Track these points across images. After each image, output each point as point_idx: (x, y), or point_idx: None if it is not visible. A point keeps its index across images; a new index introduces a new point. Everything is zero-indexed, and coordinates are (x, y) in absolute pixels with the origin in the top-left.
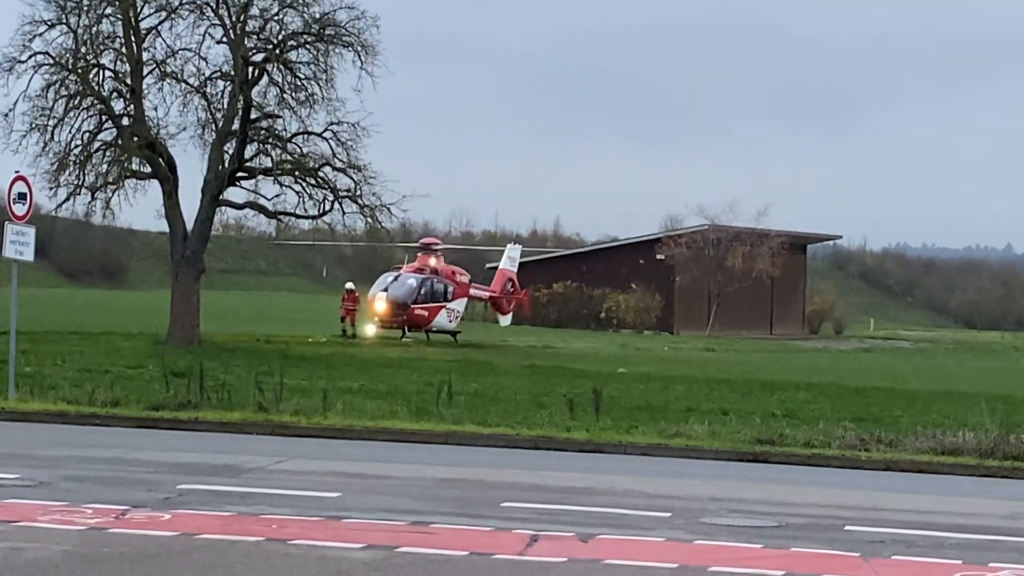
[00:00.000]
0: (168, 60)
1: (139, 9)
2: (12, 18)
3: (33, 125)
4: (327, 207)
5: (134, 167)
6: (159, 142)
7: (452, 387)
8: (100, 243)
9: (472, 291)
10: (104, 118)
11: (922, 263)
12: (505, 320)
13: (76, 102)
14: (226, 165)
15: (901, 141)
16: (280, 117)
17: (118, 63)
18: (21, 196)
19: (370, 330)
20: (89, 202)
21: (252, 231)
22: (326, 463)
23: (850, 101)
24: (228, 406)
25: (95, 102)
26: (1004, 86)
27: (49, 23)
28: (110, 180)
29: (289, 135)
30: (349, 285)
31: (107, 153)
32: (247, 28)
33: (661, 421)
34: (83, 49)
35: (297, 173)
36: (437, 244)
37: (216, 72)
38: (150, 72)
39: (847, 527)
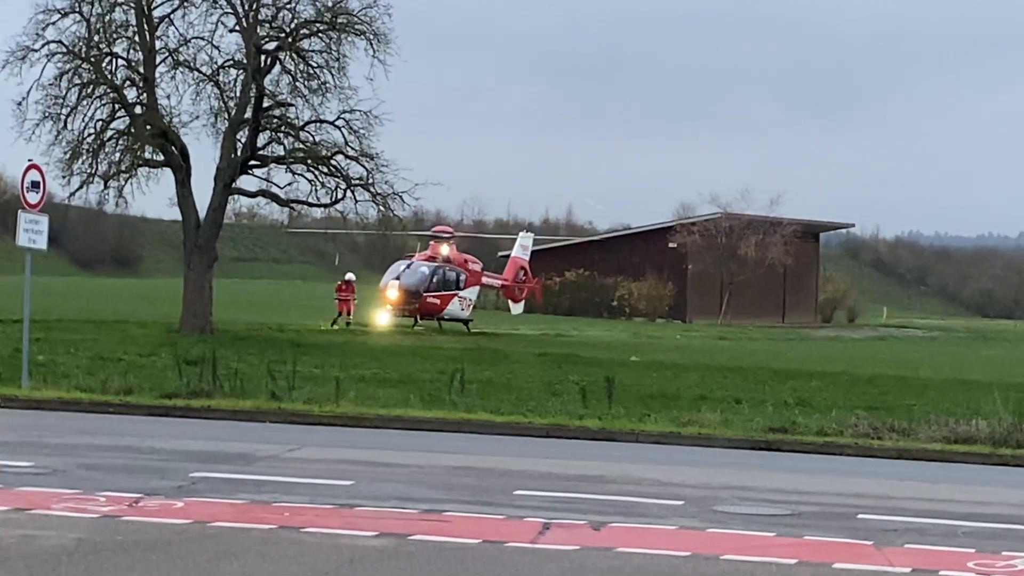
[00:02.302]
0: (181, 49)
1: None
2: (26, 7)
3: (46, 114)
4: (339, 195)
5: (147, 155)
6: (172, 130)
7: (464, 375)
8: (113, 231)
9: (484, 279)
10: (117, 107)
11: (935, 251)
12: (517, 308)
13: (89, 91)
14: (238, 153)
15: (914, 129)
16: (292, 105)
17: (131, 52)
18: (34, 184)
19: (382, 319)
20: (102, 190)
21: (264, 219)
22: (339, 451)
23: (863, 89)
24: (241, 394)
25: (108, 91)
26: (1017, 73)
27: (62, 12)
28: (123, 168)
29: (301, 123)
30: (349, 276)
31: (120, 142)
32: (260, 16)
33: (674, 409)
34: (96, 38)
35: (309, 161)
36: (449, 232)
37: (229, 60)
38: (163, 61)
39: (860, 515)
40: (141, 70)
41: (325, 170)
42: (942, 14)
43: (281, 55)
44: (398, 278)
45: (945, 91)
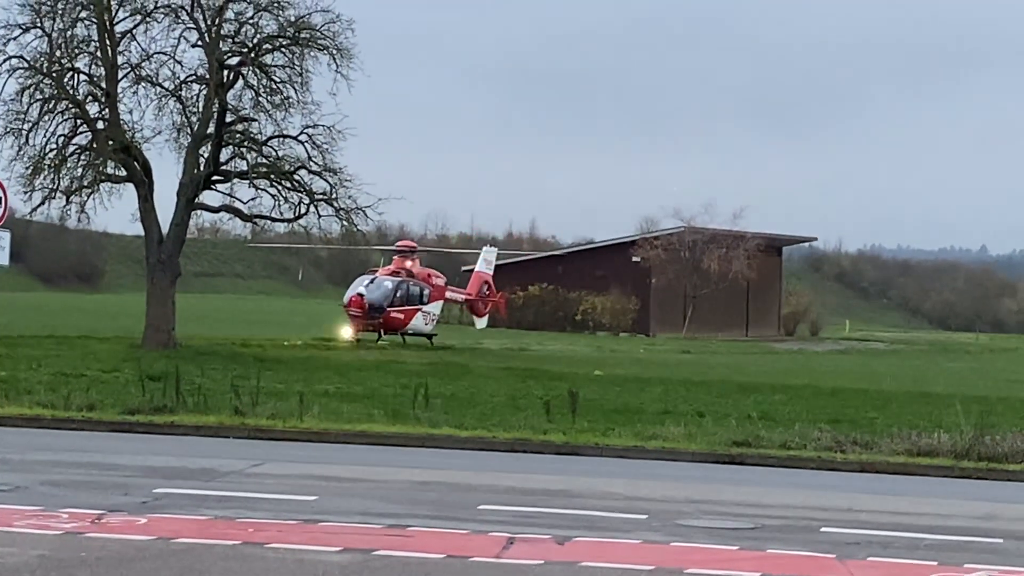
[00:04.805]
0: (143, 64)
1: (114, 13)
2: None
3: (7, 129)
4: (303, 210)
5: (109, 171)
6: (134, 146)
7: (428, 390)
8: (75, 247)
9: (448, 294)
10: (79, 122)
11: (897, 264)
12: (481, 323)
13: (51, 106)
14: (201, 168)
15: (876, 143)
16: (255, 120)
17: (93, 67)
18: None
19: (346, 333)
20: (64, 206)
21: (227, 234)
22: (303, 466)
23: (825, 103)
24: (204, 410)
25: (70, 106)
26: (977, 89)
27: (23, 27)
28: (85, 184)
29: (264, 138)
30: (361, 290)
31: (82, 157)
32: (222, 31)
33: (637, 423)
34: (58, 53)
35: (272, 176)
36: (413, 247)
37: (191, 76)
38: (125, 76)
39: (823, 528)
40: (103, 85)
41: (288, 185)
42: (904, 30)
43: (244, 70)
44: (362, 293)
45: (907, 106)
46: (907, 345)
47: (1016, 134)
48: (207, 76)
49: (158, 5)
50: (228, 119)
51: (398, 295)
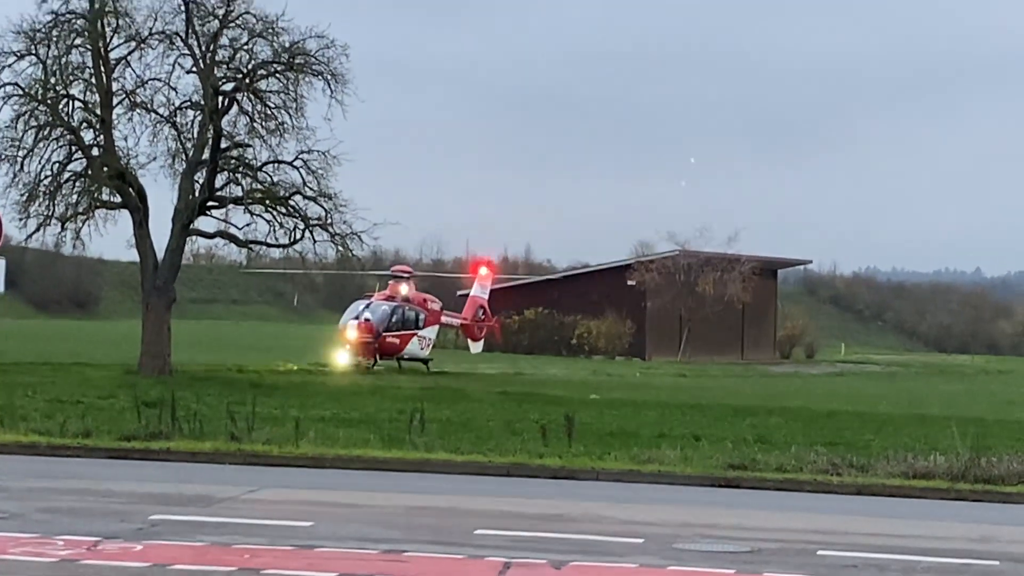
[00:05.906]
0: (138, 90)
1: (108, 39)
2: None
3: (2, 156)
4: (298, 235)
5: (104, 197)
6: (129, 172)
7: (424, 415)
8: (70, 273)
9: (443, 318)
10: (74, 148)
11: (892, 287)
12: (476, 347)
13: (46, 133)
14: (196, 194)
15: (869, 166)
16: (250, 146)
17: (88, 93)
18: None
19: (342, 359)
20: (59, 232)
21: (223, 260)
22: (299, 492)
23: (818, 126)
24: (200, 436)
25: (65, 132)
26: (971, 111)
27: (18, 54)
28: (80, 210)
29: (259, 164)
30: (366, 315)
31: (77, 183)
32: (217, 58)
33: (633, 447)
34: (52, 80)
35: (268, 202)
36: (408, 272)
37: (186, 102)
38: (120, 102)
39: (819, 551)
40: (98, 112)
41: (283, 210)
42: (898, 51)
43: (238, 96)
44: (357, 318)
45: (901, 127)
46: (902, 367)
47: (1010, 156)
48: (202, 102)
49: (152, 32)
50: (223, 145)
51: (394, 320)
